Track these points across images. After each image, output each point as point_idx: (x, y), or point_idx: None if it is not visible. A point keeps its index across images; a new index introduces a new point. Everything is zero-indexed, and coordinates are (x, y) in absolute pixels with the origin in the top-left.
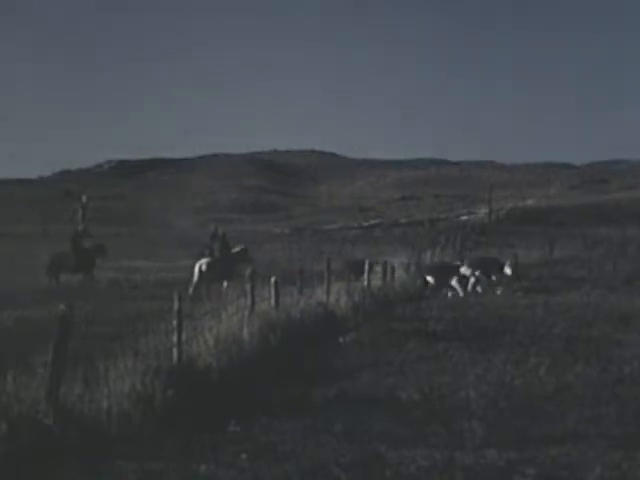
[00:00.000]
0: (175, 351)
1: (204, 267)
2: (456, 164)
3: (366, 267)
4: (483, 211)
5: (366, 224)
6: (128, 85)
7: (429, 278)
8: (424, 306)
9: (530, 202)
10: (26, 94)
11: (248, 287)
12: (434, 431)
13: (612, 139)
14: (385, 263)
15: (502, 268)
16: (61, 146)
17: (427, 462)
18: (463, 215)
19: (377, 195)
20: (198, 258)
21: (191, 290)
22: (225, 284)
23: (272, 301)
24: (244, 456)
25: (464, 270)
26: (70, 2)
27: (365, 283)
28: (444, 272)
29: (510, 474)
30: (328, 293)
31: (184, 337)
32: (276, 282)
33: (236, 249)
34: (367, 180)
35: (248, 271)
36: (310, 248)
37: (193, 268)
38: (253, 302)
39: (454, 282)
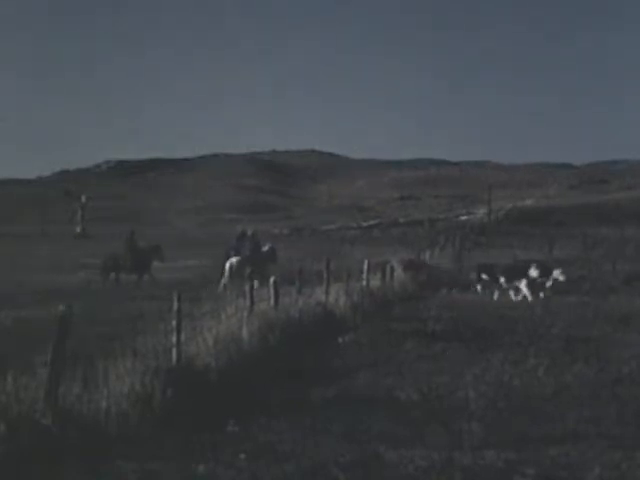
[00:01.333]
0: (174, 351)
1: (234, 266)
2: (455, 164)
3: (365, 267)
4: (482, 211)
5: (365, 224)
6: (128, 85)
7: (501, 279)
8: (422, 306)
9: (529, 202)
10: (26, 94)
11: (247, 287)
12: (433, 431)
13: (612, 139)
14: (385, 263)
15: (550, 271)
16: (61, 146)
17: (426, 462)
18: (462, 215)
19: (376, 195)
20: (225, 259)
21: (221, 288)
22: (256, 283)
23: (271, 301)
24: (243, 456)
25: (532, 272)
26: (72, 2)
27: (364, 283)
28: (515, 273)
29: (509, 474)
30: (327, 293)
31: (183, 337)
32: (275, 282)
33: (264, 248)
34: (367, 180)
35: (247, 271)
36: (309, 248)
37: (223, 267)
38: (252, 302)
39: (523, 285)
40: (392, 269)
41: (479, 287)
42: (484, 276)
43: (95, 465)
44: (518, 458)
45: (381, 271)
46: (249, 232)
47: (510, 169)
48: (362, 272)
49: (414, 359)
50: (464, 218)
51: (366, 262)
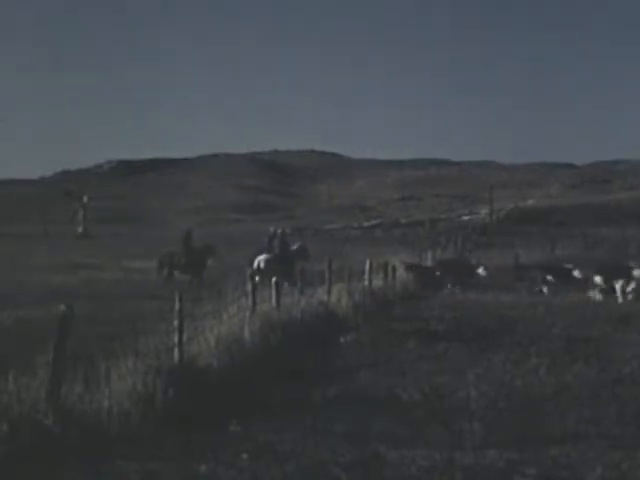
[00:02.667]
0: (176, 351)
1: (262, 264)
2: (456, 164)
3: (366, 267)
4: (484, 211)
5: (367, 224)
6: (128, 85)
7: (597, 278)
8: (424, 306)
9: (531, 202)
10: (26, 94)
11: (249, 287)
12: (434, 431)
13: (614, 139)
14: (387, 263)
15: (629, 272)
16: (61, 146)
17: (427, 462)
18: (464, 215)
19: (377, 195)
20: (253, 259)
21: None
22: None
23: (273, 301)
24: (244, 456)
25: (638, 273)
26: (71, 2)
27: (366, 283)
28: (615, 273)
29: (510, 474)
30: (329, 293)
31: (185, 337)
32: (277, 282)
33: (294, 246)
34: (367, 180)
35: (249, 272)
36: (311, 248)
37: (252, 265)
38: (254, 302)
39: (618, 286)
40: (394, 269)
41: (545, 288)
42: (549, 277)
43: (96, 465)
44: (519, 458)
45: (383, 271)
46: (279, 231)
47: (511, 169)
48: (364, 272)
49: (415, 359)
50: (466, 218)
51: (368, 262)
